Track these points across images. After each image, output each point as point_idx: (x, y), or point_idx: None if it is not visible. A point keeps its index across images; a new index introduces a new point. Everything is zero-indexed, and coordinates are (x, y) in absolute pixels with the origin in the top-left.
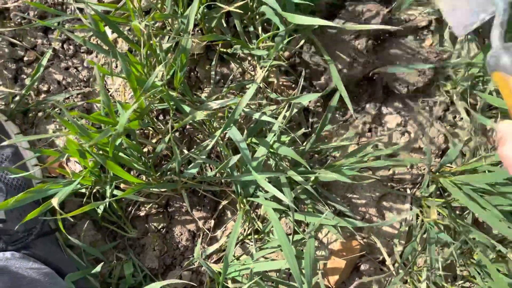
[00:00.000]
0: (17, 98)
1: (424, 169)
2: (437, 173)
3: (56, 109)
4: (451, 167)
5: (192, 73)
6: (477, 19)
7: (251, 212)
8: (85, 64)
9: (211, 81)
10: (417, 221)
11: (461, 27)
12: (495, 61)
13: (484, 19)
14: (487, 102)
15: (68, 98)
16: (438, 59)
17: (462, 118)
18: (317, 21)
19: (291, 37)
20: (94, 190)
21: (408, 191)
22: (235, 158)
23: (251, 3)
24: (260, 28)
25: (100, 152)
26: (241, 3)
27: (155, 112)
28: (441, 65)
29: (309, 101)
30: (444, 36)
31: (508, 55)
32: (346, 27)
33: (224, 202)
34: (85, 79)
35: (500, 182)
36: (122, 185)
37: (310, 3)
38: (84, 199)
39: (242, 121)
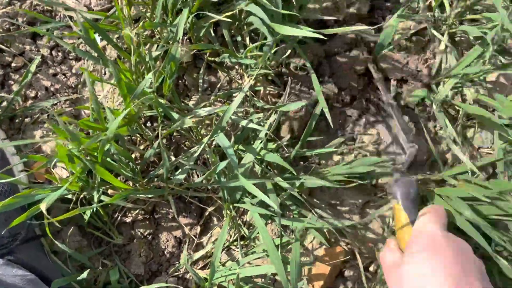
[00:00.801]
0: (4, 103)
1: None
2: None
3: (45, 115)
4: (432, 175)
5: (180, 81)
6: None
7: (237, 218)
8: (73, 71)
9: (199, 89)
10: None
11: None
12: (388, 187)
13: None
14: (467, 112)
15: (55, 104)
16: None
17: (441, 128)
18: (304, 33)
19: (277, 47)
20: (81, 196)
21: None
22: (223, 164)
23: (239, 13)
24: (247, 38)
25: (89, 157)
26: (230, 13)
27: (143, 119)
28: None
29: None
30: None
31: (396, 186)
32: (328, 31)
33: (210, 209)
34: (73, 86)
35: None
36: (109, 191)
37: (297, 14)
38: (71, 205)
39: (229, 128)
